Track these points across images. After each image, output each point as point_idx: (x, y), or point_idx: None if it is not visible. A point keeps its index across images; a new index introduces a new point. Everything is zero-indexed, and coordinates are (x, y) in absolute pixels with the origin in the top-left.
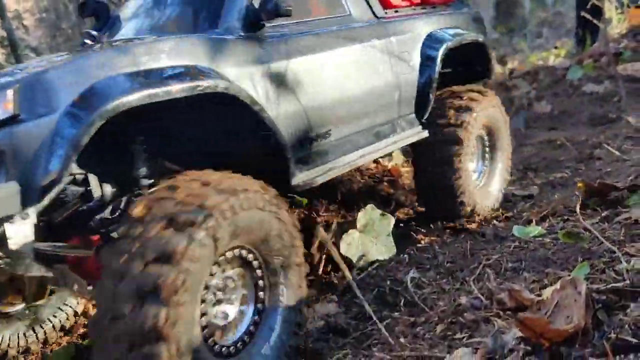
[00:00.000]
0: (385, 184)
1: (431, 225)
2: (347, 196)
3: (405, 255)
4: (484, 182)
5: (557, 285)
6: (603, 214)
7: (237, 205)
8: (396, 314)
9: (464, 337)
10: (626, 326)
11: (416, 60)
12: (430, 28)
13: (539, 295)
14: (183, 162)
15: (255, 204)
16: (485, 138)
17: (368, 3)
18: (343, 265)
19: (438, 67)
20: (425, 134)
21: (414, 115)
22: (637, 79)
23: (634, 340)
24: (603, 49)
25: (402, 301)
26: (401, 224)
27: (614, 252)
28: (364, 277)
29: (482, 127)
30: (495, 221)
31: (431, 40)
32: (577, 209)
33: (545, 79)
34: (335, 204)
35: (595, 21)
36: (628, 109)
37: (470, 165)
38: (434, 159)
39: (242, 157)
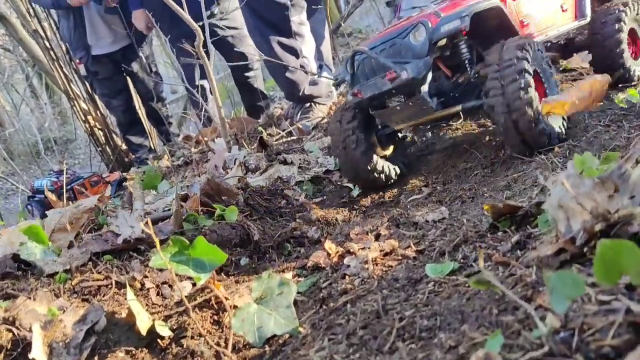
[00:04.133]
0: (299, 221)
1: (344, 274)
2: (261, 244)
3: (317, 319)
4: None
5: None
6: (514, 239)
7: None
8: None
9: None
10: None
11: None
12: None
13: None
14: None
15: None
16: None
17: None
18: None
19: None
20: None
21: None
22: None
23: None
24: None
25: None
26: (315, 270)
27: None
28: (271, 359)
29: None
30: (407, 260)
31: None
32: (480, 262)
33: None
34: (248, 256)
35: None
36: None
37: None
38: None
39: None
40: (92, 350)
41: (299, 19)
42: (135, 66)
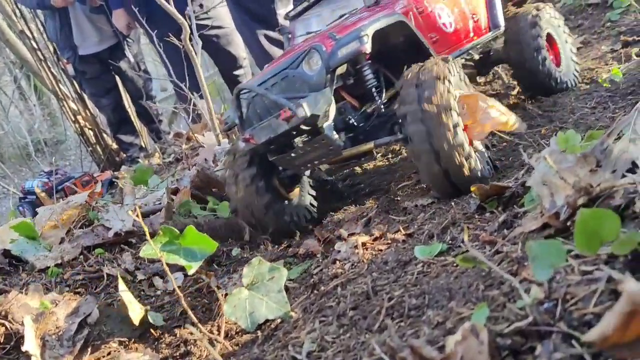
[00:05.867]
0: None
1: (335, 260)
2: (251, 237)
3: (308, 303)
4: None
5: (459, 336)
6: (501, 219)
7: None
8: None
9: None
10: None
11: None
12: None
13: (442, 348)
14: None
15: None
16: None
17: None
18: (210, 349)
19: None
20: None
21: None
22: None
23: None
24: None
25: None
26: (306, 257)
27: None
28: (264, 343)
29: None
30: (397, 243)
31: None
32: (465, 238)
33: None
34: (239, 247)
35: None
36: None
37: None
38: None
39: None
40: (85, 342)
41: (285, 11)
42: (123, 65)
